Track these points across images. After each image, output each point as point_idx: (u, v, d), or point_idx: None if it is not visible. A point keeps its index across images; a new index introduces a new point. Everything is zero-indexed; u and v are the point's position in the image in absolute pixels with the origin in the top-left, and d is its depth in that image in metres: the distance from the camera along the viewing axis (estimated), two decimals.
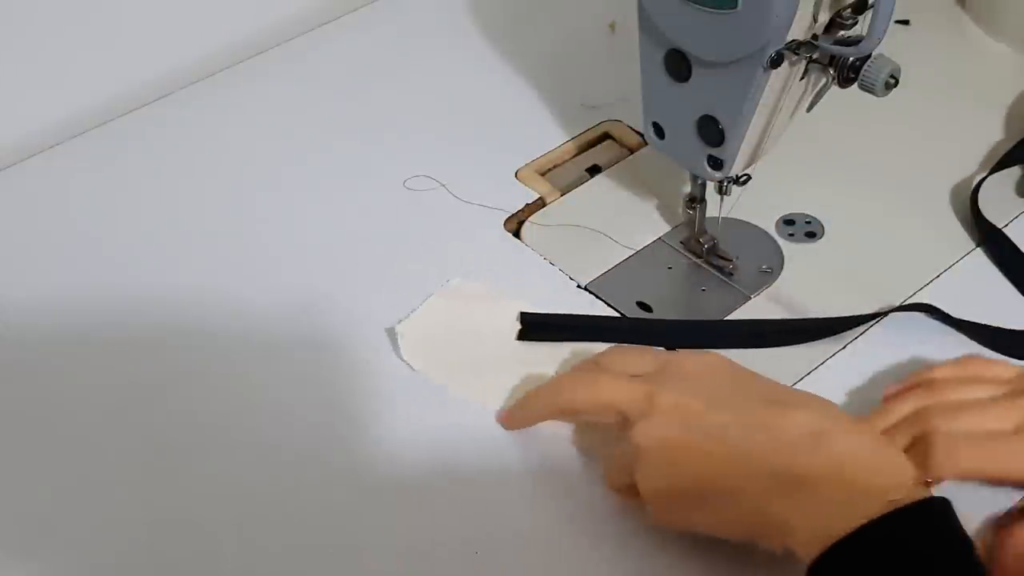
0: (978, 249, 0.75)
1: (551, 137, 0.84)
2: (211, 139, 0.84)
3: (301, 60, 0.90)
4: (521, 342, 0.70)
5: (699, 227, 0.75)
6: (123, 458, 0.65)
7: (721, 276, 0.75)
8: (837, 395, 0.66)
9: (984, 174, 0.78)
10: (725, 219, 0.74)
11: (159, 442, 0.66)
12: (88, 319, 0.72)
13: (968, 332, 0.69)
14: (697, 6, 0.62)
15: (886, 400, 0.64)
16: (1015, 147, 0.80)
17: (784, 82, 0.65)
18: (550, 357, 0.69)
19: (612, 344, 0.66)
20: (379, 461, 0.64)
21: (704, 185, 0.73)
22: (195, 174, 0.82)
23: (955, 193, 0.78)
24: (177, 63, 0.89)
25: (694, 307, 0.74)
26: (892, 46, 0.63)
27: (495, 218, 0.78)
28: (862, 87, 0.64)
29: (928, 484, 0.57)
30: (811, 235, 0.77)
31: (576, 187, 0.81)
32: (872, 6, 0.60)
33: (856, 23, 0.62)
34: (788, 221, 0.77)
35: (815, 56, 0.64)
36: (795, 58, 0.63)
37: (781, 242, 0.76)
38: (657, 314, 0.73)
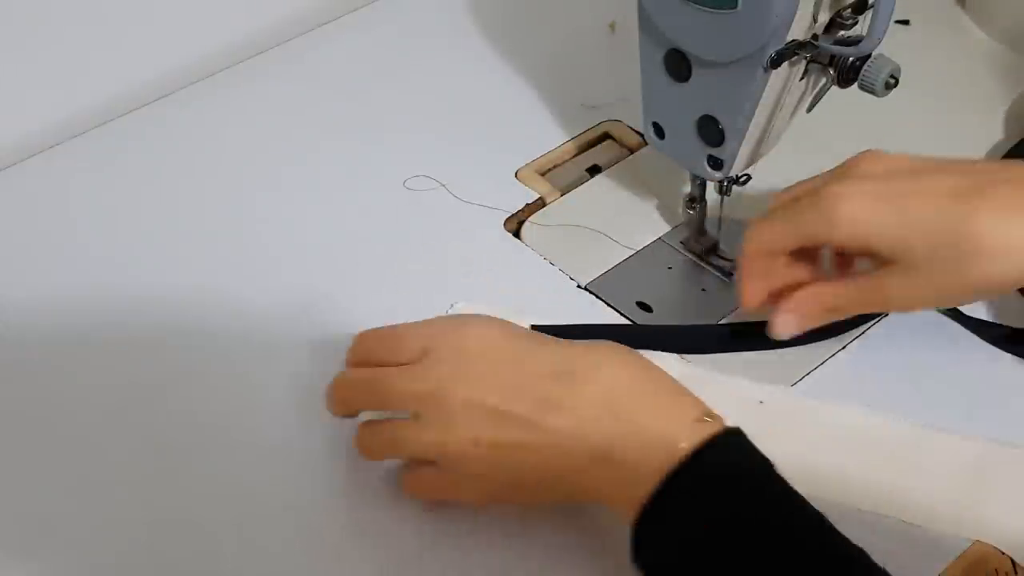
0: None
1: (551, 137, 0.83)
2: (211, 139, 0.84)
3: (301, 60, 0.90)
4: None
5: (699, 227, 0.75)
6: (123, 458, 0.65)
7: (721, 276, 0.75)
8: (837, 395, 0.66)
9: None
10: (725, 219, 0.74)
11: (159, 442, 0.66)
12: (88, 319, 0.72)
13: (970, 328, 0.69)
14: (697, 6, 0.62)
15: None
16: (1015, 147, 0.80)
17: (784, 82, 0.65)
18: None
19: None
20: (379, 461, 0.64)
21: (704, 185, 0.73)
22: (195, 174, 0.82)
23: None
24: (177, 63, 0.89)
25: (694, 307, 0.74)
26: (892, 46, 0.63)
27: (495, 218, 0.78)
28: (862, 87, 0.64)
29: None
30: None
31: (576, 187, 0.80)
32: (872, 6, 0.60)
33: (856, 23, 0.62)
34: None
35: (815, 56, 0.64)
36: (795, 58, 0.63)
37: None
38: (657, 314, 0.73)
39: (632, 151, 0.83)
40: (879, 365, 0.68)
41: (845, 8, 0.62)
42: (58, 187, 0.81)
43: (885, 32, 0.60)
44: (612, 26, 0.92)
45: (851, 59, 0.63)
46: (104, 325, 0.72)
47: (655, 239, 0.77)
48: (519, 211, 0.79)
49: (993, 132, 0.82)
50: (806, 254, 0.64)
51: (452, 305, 0.72)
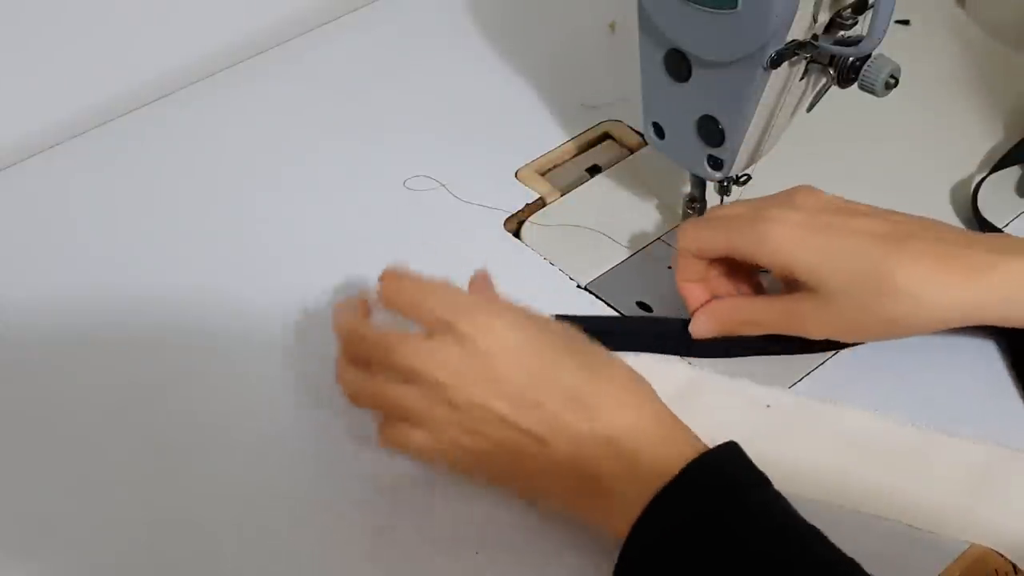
0: None
1: (551, 137, 0.83)
2: (211, 139, 0.84)
3: (301, 60, 0.90)
4: None
5: None
6: (123, 458, 0.65)
7: None
8: (836, 396, 0.66)
9: (984, 174, 0.78)
10: None
11: (159, 442, 0.66)
12: (88, 319, 0.72)
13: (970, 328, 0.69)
14: (697, 6, 0.62)
15: None
16: (1015, 147, 0.80)
17: (784, 82, 0.65)
18: None
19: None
20: (380, 461, 0.64)
21: (704, 185, 0.73)
22: (195, 174, 0.82)
23: (955, 193, 0.78)
24: (177, 63, 0.89)
25: None
26: (892, 46, 0.63)
27: (495, 218, 0.78)
28: (862, 87, 0.64)
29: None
30: None
31: (576, 187, 0.80)
32: (872, 6, 0.60)
33: (856, 23, 0.63)
34: None
35: (815, 56, 0.64)
36: (795, 58, 0.63)
37: None
38: (657, 314, 0.72)
39: (632, 151, 0.83)
40: (879, 365, 0.68)
41: (845, 8, 0.62)
42: (58, 187, 0.82)
43: (885, 32, 0.60)
44: (612, 26, 0.92)
45: (851, 59, 0.63)
46: (104, 325, 0.72)
47: (655, 239, 0.77)
48: (519, 211, 0.79)
49: (993, 132, 0.82)
50: (742, 269, 0.67)
51: None
